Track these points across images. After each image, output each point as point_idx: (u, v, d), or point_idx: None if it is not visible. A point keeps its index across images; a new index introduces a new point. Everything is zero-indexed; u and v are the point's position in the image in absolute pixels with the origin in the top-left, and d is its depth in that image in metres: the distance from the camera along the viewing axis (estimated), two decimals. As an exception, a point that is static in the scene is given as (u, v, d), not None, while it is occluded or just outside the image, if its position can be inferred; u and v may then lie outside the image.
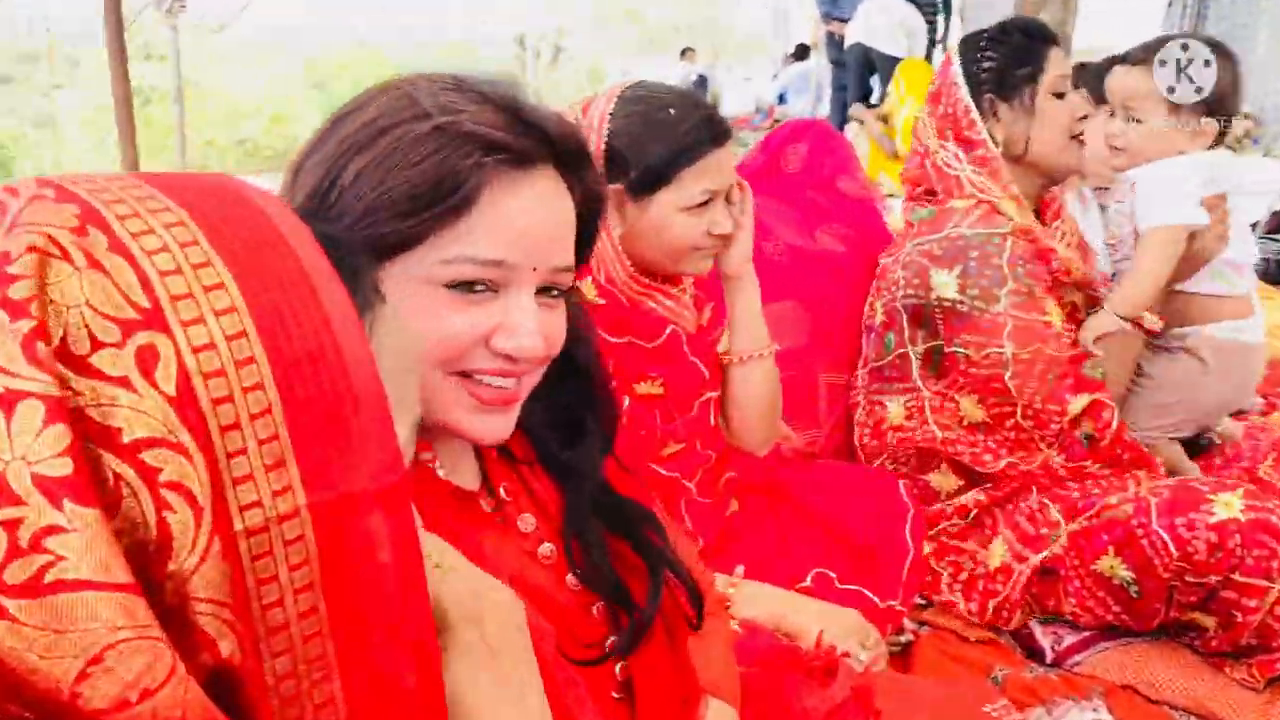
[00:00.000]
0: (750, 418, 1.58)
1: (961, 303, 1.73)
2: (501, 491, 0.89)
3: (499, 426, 0.83)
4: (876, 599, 1.57)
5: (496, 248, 0.77)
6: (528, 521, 0.89)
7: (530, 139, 0.78)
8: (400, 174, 0.74)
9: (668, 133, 1.38)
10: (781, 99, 10.21)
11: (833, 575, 1.60)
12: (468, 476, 0.88)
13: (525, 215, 0.78)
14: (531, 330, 0.79)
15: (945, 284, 1.74)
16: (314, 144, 0.78)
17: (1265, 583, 1.45)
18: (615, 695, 0.90)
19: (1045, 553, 1.63)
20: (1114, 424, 1.72)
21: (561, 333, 0.84)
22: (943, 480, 1.81)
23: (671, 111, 1.39)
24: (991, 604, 1.67)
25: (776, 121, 9.56)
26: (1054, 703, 1.46)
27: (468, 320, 0.78)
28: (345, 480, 0.42)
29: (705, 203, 1.42)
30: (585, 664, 0.86)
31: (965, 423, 1.77)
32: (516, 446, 0.91)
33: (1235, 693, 1.52)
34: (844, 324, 2.07)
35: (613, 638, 0.90)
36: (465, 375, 0.79)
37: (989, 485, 1.76)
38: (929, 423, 1.80)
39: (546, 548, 0.89)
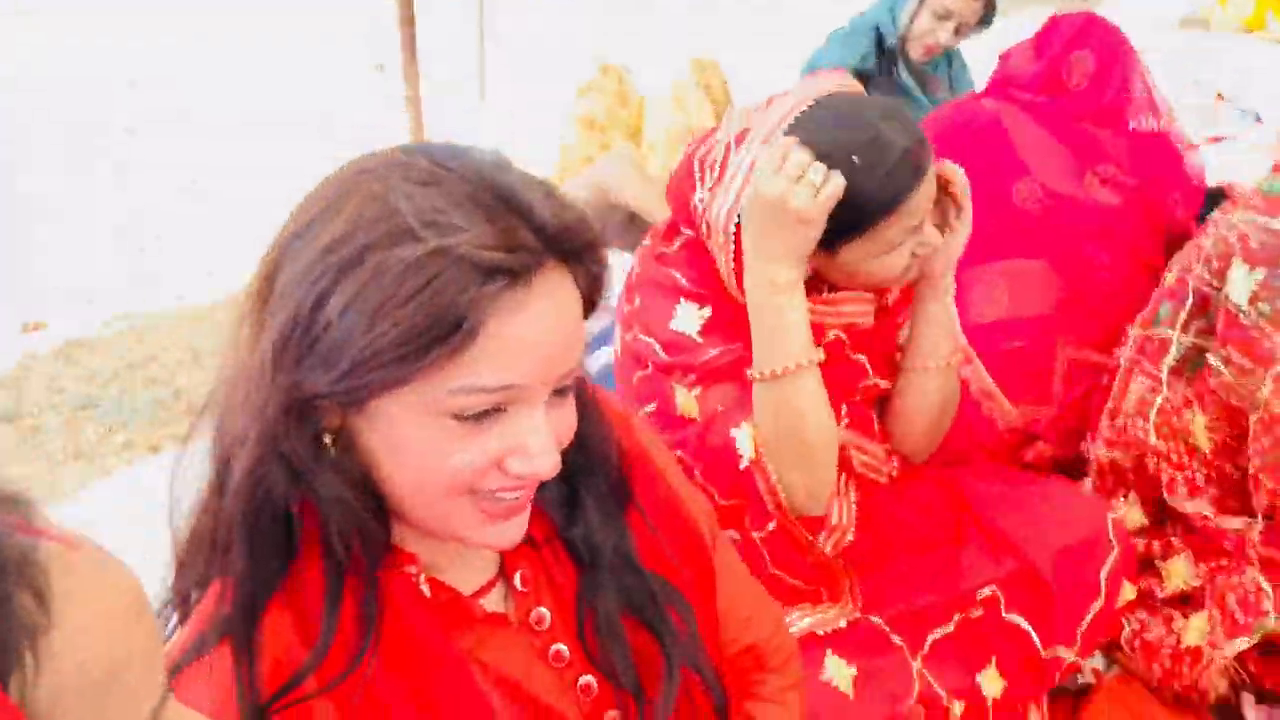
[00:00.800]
0: (912, 427, 1.43)
1: (1246, 312, 1.40)
2: (517, 581, 0.87)
3: (511, 533, 0.80)
4: (1039, 641, 1.40)
5: (505, 373, 0.71)
6: (542, 618, 0.87)
7: (531, 250, 0.70)
8: (393, 313, 0.68)
9: (854, 190, 1.16)
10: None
11: (1001, 598, 1.44)
12: (473, 573, 0.86)
13: (532, 333, 0.71)
14: (546, 449, 0.75)
15: (1239, 283, 1.41)
16: (287, 245, 0.72)
17: None
18: None
19: (1244, 640, 1.36)
20: None
21: (573, 423, 0.79)
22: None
23: (856, 160, 1.15)
24: (1176, 684, 1.44)
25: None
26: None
27: (476, 450, 0.73)
28: None
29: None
30: None
31: (1189, 441, 1.49)
32: (535, 527, 0.86)
33: None
34: (1103, 294, 1.76)
35: None
36: (474, 492, 0.76)
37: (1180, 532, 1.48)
38: (1149, 420, 1.53)
39: (561, 648, 0.86)
